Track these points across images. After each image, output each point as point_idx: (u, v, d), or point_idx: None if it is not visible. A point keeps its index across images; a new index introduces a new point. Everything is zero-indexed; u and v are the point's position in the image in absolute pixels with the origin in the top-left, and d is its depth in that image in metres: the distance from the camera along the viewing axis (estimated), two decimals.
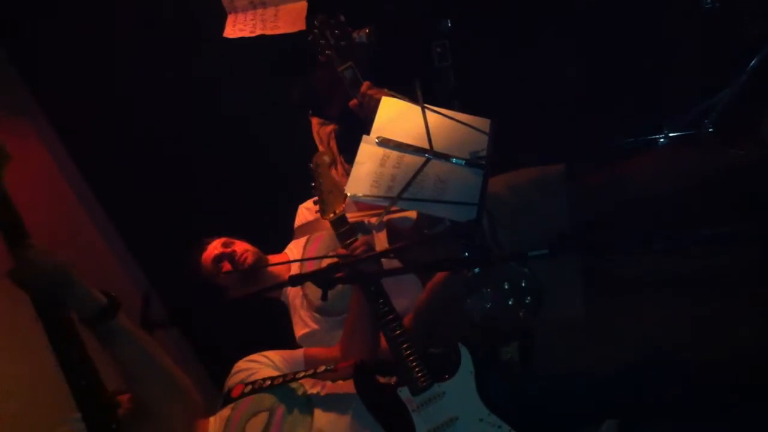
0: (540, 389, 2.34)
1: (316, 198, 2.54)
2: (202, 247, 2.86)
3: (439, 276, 2.48)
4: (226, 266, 2.75)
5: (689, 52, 2.83)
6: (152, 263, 3.86)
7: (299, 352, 2.54)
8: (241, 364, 2.42)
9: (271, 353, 2.48)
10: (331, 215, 2.42)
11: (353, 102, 2.63)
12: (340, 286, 2.39)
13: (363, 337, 2.38)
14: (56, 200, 3.51)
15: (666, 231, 2.23)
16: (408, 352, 2.17)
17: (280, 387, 2.25)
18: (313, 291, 2.70)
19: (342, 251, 2.34)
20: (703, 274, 2.30)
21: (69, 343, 1.87)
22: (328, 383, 2.27)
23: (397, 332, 2.21)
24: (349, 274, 2.18)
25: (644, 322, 2.33)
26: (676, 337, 2.27)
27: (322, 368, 2.29)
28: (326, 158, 2.53)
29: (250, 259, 2.75)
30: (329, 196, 2.46)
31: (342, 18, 2.66)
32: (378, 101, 2.33)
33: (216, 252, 2.79)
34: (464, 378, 2.18)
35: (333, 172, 3.18)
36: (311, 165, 2.54)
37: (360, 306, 2.37)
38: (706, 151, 2.44)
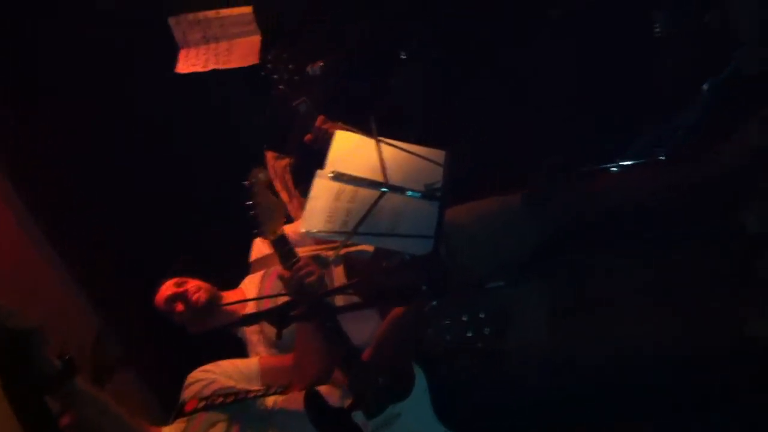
0: (503, 408, 2.35)
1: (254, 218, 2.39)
2: (157, 288, 2.81)
3: (398, 310, 2.46)
4: (179, 306, 2.70)
5: (641, 79, 2.87)
6: (107, 303, 3.77)
7: (254, 361, 2.54)
8: (195, 375, 2.43)
9: (225, 363, 2.49)
10: (271, 236, 2.33)
11: (308, 137, 2.62)
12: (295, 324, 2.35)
13: (314, 358, 2.35)
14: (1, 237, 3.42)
15: (632, 244, 2.28)
16: (360, 375, 2.15)
17: (233, 405, 2.26)
18: (270, 327, 2.66)
19: (285, 272, 2.28)
20: (673, 284, 2.33)
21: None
22: (281, 398, 2.27)
23: (348, 355, 2.18)
24: (304, 313, 2.15)
25: (618, 338, 2.34)
26: (652, 348, 2.29)
27: (273, 389, 2.29)
28: (261, 176, 2.40)
29: (203, 298, 2.71)
30: (268, 216, 2.34)
31: (295, 52, 2.66)
32: (333, 136, 2.32)
33: (168, 292, 2.74)
34: (419, 397, 2.17)
35: (284, 196, 3.17)
36: (247, 183, 2.39)
37: (308, 330, 2.33)
38: (664, 174, 2.48)
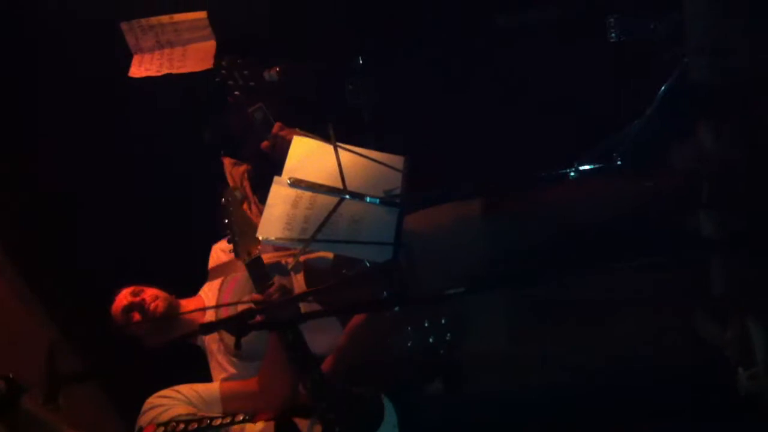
0: (465, 417, 2.35)
1: (229, 237, 2.41)
2: (113, 298, 2.75)
3: (359, 317, 2.45)
4: (136, 316, 2.64)
5: (598, 85, 2.90)
6: (62, 313, 3.69)
7: (215, 386, 2.51)
8: (153, 400, 2.38)
9: (184, 388, 2.44)
10: (246, 257, 2.31)
11: (265, 144, 2.59)
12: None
13: (280, 380, 2.33)
14: None
15: (589, 258, 2.29)
16: (327, 402, 2.12)
17: None
18: (230, 335, 2.62)
19: (257, 297, 2.25)
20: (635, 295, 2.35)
21: None
22: (247, 426, 2.24)
23: (317, 382, 2.15)
24: (266, 321, 2.11)
25: (617, 338, 2.35)
26: (651, 349, 2.30)
27: (240, 417, 2.24)
28: (237, 194, 2.41)
29: (161, 308, 2.66)
30: (243, 236, 2.32)
31: (250, 58, 2.63)
32: (290, 142, 2.30)
33: (125, 302, 2.68)
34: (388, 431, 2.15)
35: (246, 209, 3.14)
36: (222, 202, 2.39)
37: (277, 350, 2.30)
38: (621, 182, 2.50)
